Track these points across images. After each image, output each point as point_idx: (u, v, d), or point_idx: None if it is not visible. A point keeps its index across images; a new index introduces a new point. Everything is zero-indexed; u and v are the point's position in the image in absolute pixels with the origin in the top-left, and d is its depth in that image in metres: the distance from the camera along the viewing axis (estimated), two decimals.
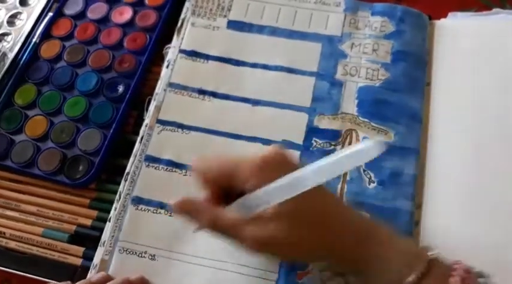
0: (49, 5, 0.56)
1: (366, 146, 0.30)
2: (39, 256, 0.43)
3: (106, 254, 0.41)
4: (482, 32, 0.50)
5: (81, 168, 0.46)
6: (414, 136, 0.45)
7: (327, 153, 0.44)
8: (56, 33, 0.54)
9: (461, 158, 0.44)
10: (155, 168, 0.44)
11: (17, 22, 0.56)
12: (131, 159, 0.45)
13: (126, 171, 0.45)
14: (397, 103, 0.46)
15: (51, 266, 0.43)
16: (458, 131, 0.45)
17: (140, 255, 0.41)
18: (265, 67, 0.49)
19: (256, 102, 0.47)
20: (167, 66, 0.49)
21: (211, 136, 0.46)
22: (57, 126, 0.48)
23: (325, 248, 0.35)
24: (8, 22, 0.56)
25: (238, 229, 0.34)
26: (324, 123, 0.46)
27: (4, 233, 0.44)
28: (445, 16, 0.52)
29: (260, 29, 0.50)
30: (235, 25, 0.51)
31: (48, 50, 0.53)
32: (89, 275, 0.41)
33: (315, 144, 0.45)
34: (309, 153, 0.44)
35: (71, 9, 0.55)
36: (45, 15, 0.55)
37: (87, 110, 0.49)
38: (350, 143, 0.45)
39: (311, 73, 0.48)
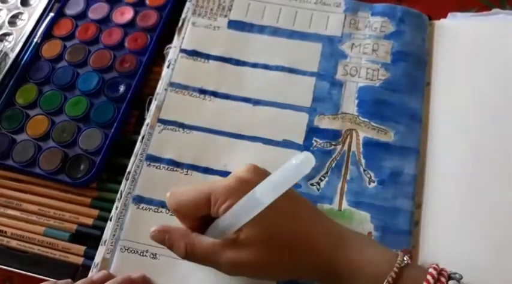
0: (50, 5, 0.56)
1: (298, 162, 0.30)
2: (41, 255, 0.43)
3: (107, 253, 0.41)
4: (482, 32, 0.50)
5: (82, 167, 0.46)
6: (414, 136, 0.45)
7: (327, 152, 0.44)
8: (57, 33, 0.54)
9: (461, 158, 0.44)
10: (156, 167, 0.45)
11: (18, 22, 0.56)
12: (132, 159, 0.45)
13: (127, 170, 0.45)
14: (397, 103, 0.46)
15: (53, 265, 0.43)
16: (458, 131, 0.45)
17: (141, 254, 0.41)
18: (265, 67, 0.49)
19: (256, 102, 0.47)
20: (168, 66, 0.49)
21: (212, 136, 0.46)
22: (58, 126, 0.48)
23: (301, 266, 0.35)
24: (9, 22, 0.56)
25: (214, 255, 0.35)
26: (324, 123, 0.46)
27: (5, 232, 0.44)
28: (444, 16, 0.52)
29: (261, 29, 0.51)
30: (236, 25, 0.51)
31: (50, 50, 0.53)
32: (90, 274, 0.41)
33: (315, 143, 0.45)
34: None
35: (72, 10, 0.55)
36: (47, 16, 0.55)
37: (88, 110, 0.49)
38: (350, 143, 0.45)
39: (311, 74, 0.48)
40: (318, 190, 0.43)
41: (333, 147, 0.45)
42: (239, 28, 0.51)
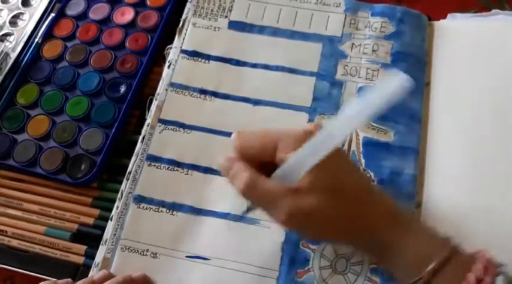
0: (51, 5, 0.56)
1: (383, 86, 0.28)
2: (42, 254, 0.44)
3: (108, 253, 0.42)
4: (482, 32, 0.50)
5: (83, 167, 0.46)
6: (414, 135, 0.45)
7: None
8: (58, 34, 0.54)
9: (460, 157, 0.44)
10: (157, 167, 0.45)
11: (19, 22, 0.56)
12: (133, 158, 0.45)
13: (128, 170, 0.45)
14: (397, 103, 0.46)
15: (54, 265, 0.43)
16: (458, 131, 0.45)
17: (142, 253, 0.42)
18: (266, 67, 0.49)
19: (257, 102, 0.47)
20: (169, 66, 0.50)
21: (213, 136, 0.46)
22: (59, 126, 0.49)
23: (357, 226, 0.35)
24: (10, 22, 0.56)
25: (274, 198, 0.34)
26: (324, 123, 0.46)
27: (7, 231, 0.45)
28: (444, 17, 0.52)
29: (261, 30, 0.51)
30: (236, 25, 0.51)
31: (50, 50, 0.53)
32: (90, 274, 0.41)
33: None
34: None
35: (73, 10, 0.55)
36: (47, 16, 0.56)
37: (89, 110, 0.49)
38: (350, 142, 0.45)
39: (311, 74, 0.48)
40: None
41: None
42: (239, 28, 0.51)
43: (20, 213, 0.46)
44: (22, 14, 0.56)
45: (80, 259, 0.43)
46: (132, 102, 0.49)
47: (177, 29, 0.52)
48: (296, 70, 0.49)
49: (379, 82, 0.27)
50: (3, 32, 0.55)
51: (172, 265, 0.41)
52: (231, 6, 0.52)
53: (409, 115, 0.46)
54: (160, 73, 0.50)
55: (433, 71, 0.49)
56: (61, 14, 0.55)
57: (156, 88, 0.49)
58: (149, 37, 0.53)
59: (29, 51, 0.53)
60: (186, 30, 0.51)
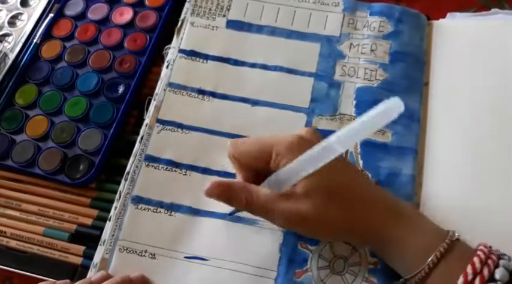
0: (50, 5, 0.56)
1: (385, 107, 0.30)
2: (40, 255, 0.44)
3: (106, 253, 0.42)
4: (481, 32, 0.50)
5: (81, 167, 0.46)
6: (412, 136, 0.45)
7: None
8: (56, 34, 0.54)
9: (459, 157, 0.44)
10: (155, 168, 0.45)
11: (18, 23, 0.56)
12: (131, 159, 0.45)
13: (126, 170, 0.45)
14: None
15: (52, 265, 0.43)
16: (457, 131, 0.45)
17: (140, 254, 0.42)
18: (264, 67, 0.49)
19: (255, 102, 0.47)
20: (167, 67, 0.49)
21: (211, 136, 0.46)
22: (57, 126, 0.49)
23: (355, 225, 0.36)
24: (9, 23, 0.56)
25: (271, 206, 0.35)
26: (322, 123, 0.46)
27: (5, 232, 0.45)
28: (443, 16, 0.52)
29: (259, 29, 0.51)
30: (235, 25, 0.51)
31: (49, 50, 0.53)
32: (89, 274, 0.41)
33: None
34: None
35: (71, 10, 0.55)
36: (46, 16, 0.55)
37: (88, 110, 0.49)
38: None
39: (310, 74, 0.48)
40: None
41: None
42: (238, 28, 0.51)
43: (18, 213, 0.46)
44: (21, 14, 0.56)
45: (78, 260, 0.43)
46: (130, 103, 0.49)
47: (175, 29, 0.52)
48: (294, 70, 0.48)
49: (380, 103, 0.30)
50: (1, 32, 0.55)
51: (171, 266, 0.41)
52: (229, 5, 0.52)
53: (407, 115, 0.46)
54: (158, 74, 0.50)
55: (431, 71, 0.48)
56: (60, 14, 0.55)
57: (154, 89, 0.49)
58: (148, 37, 0.53)
59: (28, 52, 0.53)
60: (184, 29, 0.51)
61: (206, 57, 0.50)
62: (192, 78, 0.49)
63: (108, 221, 0.43)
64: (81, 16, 0.55)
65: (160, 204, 0.43)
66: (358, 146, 0.44)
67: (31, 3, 0.57)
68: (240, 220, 0.42)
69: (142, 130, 0.47)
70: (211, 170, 0.45)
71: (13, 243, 0.44)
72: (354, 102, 0.47)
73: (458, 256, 0.33)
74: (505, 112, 0.46)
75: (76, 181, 0.46)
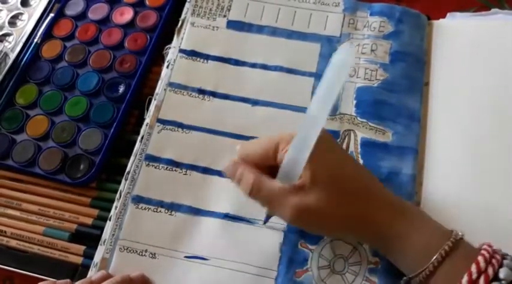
0: (50, 5, 0.56)
1: (339, 57, 0.32)
2: (40, 254, 0.44)
3: (106, 253, 0.42)
4: (481, 32, 0.50)
5: (82, 167, 0.46)
6: (412, 135, 0.45)
7: None
8: (57, 34, 0.54)
9: (459, 157, 0.44)
10: (155, 167, 0.45)
11: (19, 23, 0.56)
12: (132, 158, 0.45)
13: (127, 170, 0.45)
14: (396, 103, 0.46)
15: (52, 265, 0.43)
16: (457, 130, 0.45)
17: (140, 254, 0.42)
18: (264, 67, 0.49)
19: (255, 102, 0.47)
20: (167, 66, 0.49)
21: (211, 136, 0.46)
22: (58, 126, 0.49)
23: (361, 219, 0.36)
24: (9, 23, 0.56)
25: (279, 198, 0.35)
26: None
27: (5, 232, 0.45)
28: (443, 16, 0.52)
29: (259, 29, 0.51)
30: (235, 25, 0.51)
31: (50, 50, 0.53)
32: (89, 274, 0.41)
33: None
34: None
35: (72, 10, 0.55)
36: (47, 16, 0.56)
37: (88, 110, 0.49)
38: (348, 143, 0.45)
39: (310, 74, 0.48)
40: None
41: None
42: (238, 28, 0.51)
43: (18, 213, 0.46)
44: (21, 14, 0.56)
45: (79, 259, 0.43)
46: (131, 102, 0.49)
47: (176, 29, 0.52)
48: (295, 70, 0.48)
49: (333, 57, 0.30)
50: (2, 32, 0.55)
51: (171, 265, 0.41)
52: (230, 6, 0.52)
53: (407, 115, 0.46)
54: (159, 73, 0.50)
55: (432, 71, 0.49)
56: (60, 14, 0.55)
57: (155, 88, 0.49)
58: (148, 37, 0.53)
59: (28, 51, 0.53)
60: (185, 29, 0.51)
61: (207, 57, 0.50)
62: (193, 78, 0.49)
63: (108, 221, 0.43)
64: (82, 16, 0.55)
65: (160, 204, 0.43)
66: (359, 146, 0.45)
67: (31, 3, 0.57)
68: (240, 220, 0.42)
69: (143, 129, 0.47)
70: (211, 170, 0.45)
71: (13, 243, 0.44)
72: (354, 102, 0.47)
73: (462, 255, 0.33)
74: (504, 112, 0.46)
75: (76, 181, 0.46)
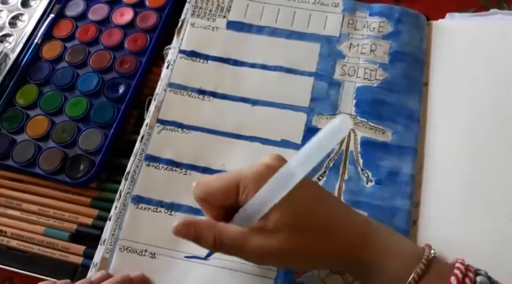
0: (50, 6, 0.56)
1: (336, 125, 0.31)
2: (41, 254, 0.44)
3: (106, 253, 0.42)
4: (480, 32, 0.50)
5: (82, 167, 0.46)
6: (412, 135, 0.45)
7: None
8: (57, 34, 0.54)
9: (459, 157, 0.44)
10: (155, 167, 0.45)
11: (19, 23, 0.56)
12: (132, 159, 0.45)
13: (127, 170, 0.45)
14: (395, 103, 0.46)
15: (52, 265, 0.43)
16: (456, 130, 0.46)
17: (140, 253, 0.42)
18: (264, 67, 0.49)
19: (255, 102, 0.47)
20: (167, 67, 0.50)
21: (211, 136, 0.46)
22: (58, 126, 0.49)
23: (329, 255, 0.35)
24: (9, 23, 0.56)
25: (242, 244, 0.34)
26: (322, 123, 0.46)
27: (5, 232, 0.45)
28: (443, 17, 0.52)
29: (259, 30, 0.51)
30: (235, 25, 0.51)
31: (50, 50, 0.53)
32: (89, 274, 0.41)
33: None
34: None
35: (72, 11, 0.56)
36: (47, 17, 0.56)
37: (88, 110, 0.49)
38: (348, 143, 0.45)
39: (310, 74, 0.48)
40: None
41: None
42: (238, 29, 0.51)
43: (19, 213, 0.46)
44: (21, 14, 0.57)
45: (79, 259, 0.43)
46: (130, 103, 0.50)
47: (176, 29, 0.52)
48: (294, 70, 0.49)
49: (330, 122, 0.31)
50: (2, 32, 0.55)
51: (171, 265, 0.41)
52: (230, 6, 0.52)
53: (407, 115, 0.46)
54: (159, 74, 0.50)
55: (431, 71, 0.49)
56: (60, 15, 0.55)
57: (155, 89, 0.49)
58: (148, 37, 0.53)
59: (29, 52, 0.53)
60: (185, 30, 0.51)
61: (206, 57, 0.50)
62: (193, 78, 0.49)
63: (108, 221, 0.43)
64: (82, 16, 0.55)
65: (160, 204, 0.43)
66: (359, 145, 0.45)
67: (32, 3, 0.57)
68: None
69: (143, 130, 0.47)
70: (211, 169, 0.45)
71: (14, 243, 0.44)
72: (354, 101, 0.47)
73: (435, 276, 0.33)
74: (504, 112, 0.46)
75: (76, 181, 0.46)
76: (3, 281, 0.45)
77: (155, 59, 0.52)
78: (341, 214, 0.36)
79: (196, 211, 0.43)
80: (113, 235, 0.42)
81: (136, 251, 0.42)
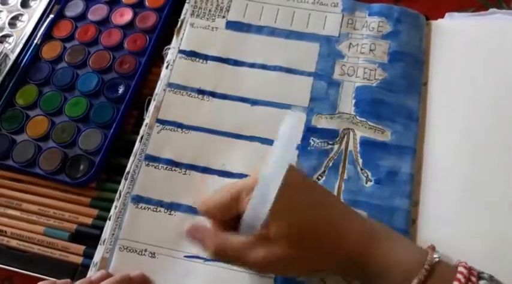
0: (50, 6, 0.56)
1: (290, 123, 0.33)
2: (41, 254, 0.44)
3: (106, 253, 0.42)
4: (479, 32, 0.50)
5: (81, 167, 0.47)
6: (411, 135, 0.45)
7: (324, 152, 0.45)
8: (57, 35, 0.54)
9: (457, 156, 0.44)
10: (155, 167, 0.45)
11: (19, 24, 0.56)
12: (131, 158, 0.46)
13: (126, 170, 0.45)
14: (394, 102, 0.46)
15: (52, 265, 0.43)
16: (455, 130, 0.46)
17: (140, 253, 0.42)
18: (263, 67, 0.49)
19: (254, 102, 0.47)
20: (167, 67, 0.50)
21: (210, 136, 0.46)
22: (58, 126, 0.49)
23: (331, 262, 0.35)
24: (9, 24, 0.56)
25: (244, 254, 0.35)
26: (322, 122, 0.46)
27: (5, 232, 0.45)
28: (442, 16, 0.52)
29: (258, 30, 0.51)
30: (234, 25, 0.51)
31: (49, 51, 0.53)
32: (89, 274, 0.41)
33: (312, 143, 0.45)
34: (306, 152, 0.45)
35: (71, 11, 0.56)
36: (46, 17, 0.56)
37: (88, 110, 0.49)
38: (347, 142, 0.45)
39: (309, 74, 0.48)
40: None
41: (330, 146, 0.45)
42: (237, 28, 0.51)
43: (19, 213, 0.46)
44: (21, 15, 0.57)
45: (79, 259, 0.43)
46: (130, 103, 0.50)
47: (175, 30, 0.52)
48: (294, 70, 0.49)
49: (284, 122, 0.33)
50: (2, 33, 0.55)
51: (171, 265, 0.41)
52: (229, 6, 0.52)
53: (406, 115, 0.46)
54: (158, 74, 0.50)
55: (430, 70, 0.49)
56: (60, 15, 0.55)
57: (154, 89, 0.49)
58: (147, 38, 0.53)
59: (28, 52, 0.53)
60: (184, 30, 0.51)
61: (206, 57, 0.50)
62: (192, 78, 0.49)
63: (108, 221, 0.43)
64: (81, 17, 0.55)
65: (160, 203, 0.43)
66: (358, 145, 0.45)
67: (31, 4, 0.57)
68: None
69: (142, 130, 0.47)
70: (210, 169, 0.45)
71: (14, 243, 0.44)
72: (353, 101, 0.47)
73: (441, 278, 0.33)
74: (503, 111, 0.46)
75: (76, 181, 0.46)
76: (3, 281, 0.45)
77: (155, 59, 0.52)
78: (341, 220, 0.36)
79: (195, 211, 0.43)
80: (113, 234, 0.42)
81: (136, 251, 0.42)
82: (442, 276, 0.33)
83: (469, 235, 0.41)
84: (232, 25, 0.51)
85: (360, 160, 0.44)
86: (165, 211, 0.43)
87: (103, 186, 0.47)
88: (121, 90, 0.50)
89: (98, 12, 0.55)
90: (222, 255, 0.36)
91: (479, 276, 0.33)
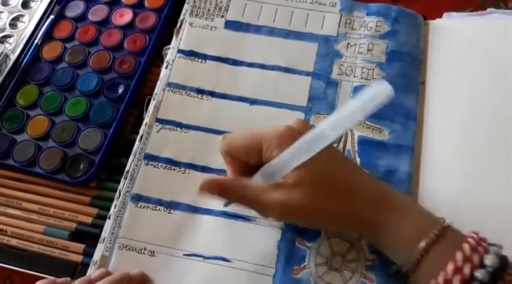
0: (50, 7, 0.57)
1: (374, 92, 0.32)
2: (41, 253, 0.44)
3: (106, 251, 0.42)
4: (477, 31, 0.50)
5: (81, 166, 0.47)
6: (409, 134, 0.45)
7: None
8: (57, 35, 0.55)
9: (456, 155, 0.45)
10: (154, 166, 0.45)
11: (19, 24, 0.56)
12: (131, 158, 0.46)
13: (126, 169, 0.45)
14: (392, 102, 0.46)
15: (52, 263, 0.44)
16: (453, 129, 0.46)
17: (140, 252, 0.42)
18: (262, 67, 0.49)
19: (253, 101, 0.48)
20: (166, 67, 0.50)
21: (209, 135, 0.46)
22: (58, 126, 0.49)
23: (347, 215, 0.36)
24: (10, 24, 0.56)
25: (263, 197, 0.36)
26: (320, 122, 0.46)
27: (6, 231, 0.45)
28: (440, 16, 0.52)
29: (257, 29, 0.51)
30: (233, 25, 0.52)
31: (50, 51, 0.54)
32: (88, 272, 0.42)
33: None
34: None
35: (72, 12, 0.56)
36: (47, 18, 0.56)
37: (88, 110, 0.49)
38: (345, 142, 0.45)
39: (307, 73, 0.49)
40: None
41: None
42: (236, 28, 0.51)
43: (19, 212, 0.46)
44: (22, 16, 0.57)
45: (79, 258, 0.44)
46: (130, 102, 0.50)
47: (175, 30, 0.52)
48: (292, 69, 0.49)
49: (368, 87, 0.31)
50: (3, 33, 0.56)
51: (170, 263, 0.41)
52: (228, 6, 0.53)
53: (404, 114, 0.46)
54: (158, 74, 0.50)
55: (428, 70, 0.49)
56: (60, 16, 0.56)
57: (154, 89, 0.49)
58: (147, 38, 0.53)
59: (29, 53, 0.54)
60: (183, 30, 0.52)
61: (205, 57, 0.50)
62: (191, 77, 0.49)
63: (107, 220, 0.43)
64: (82, 17, 0.55)
65: (159, 202, 0.44)
66: (356, 144, 0.45)
67: (32, 5, 0.58)
68: (238, 217, 0.43)
69: (142, 129, 0.47)
70: (210, 168, 0.45)
71: (14, 242, 0.45)
72: None
73: (449, 242, 0.33)
74: (501, 111, 0.46)
75: (76, 180, 0.46)
76: (4, 279, 0.45)
77: (154, 59, 0.53)
78: (360, 178, 0.37)
79: (194, 210, 0.43)
80: (113, 233, 0.43)
81: (135, 250, 0.42)
82: (452, 239, 0.34)
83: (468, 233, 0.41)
84: (231, 25, 0.52)
85: (358, 160, 0.44)
86: (165, 209, 0.43)
87: (103, 185, 0.47)
88: (121, 89, 0.50)
89: (98, 12, 0.55)
90: (241, 198, 0.37)
91: (490, 244, 0.33)
